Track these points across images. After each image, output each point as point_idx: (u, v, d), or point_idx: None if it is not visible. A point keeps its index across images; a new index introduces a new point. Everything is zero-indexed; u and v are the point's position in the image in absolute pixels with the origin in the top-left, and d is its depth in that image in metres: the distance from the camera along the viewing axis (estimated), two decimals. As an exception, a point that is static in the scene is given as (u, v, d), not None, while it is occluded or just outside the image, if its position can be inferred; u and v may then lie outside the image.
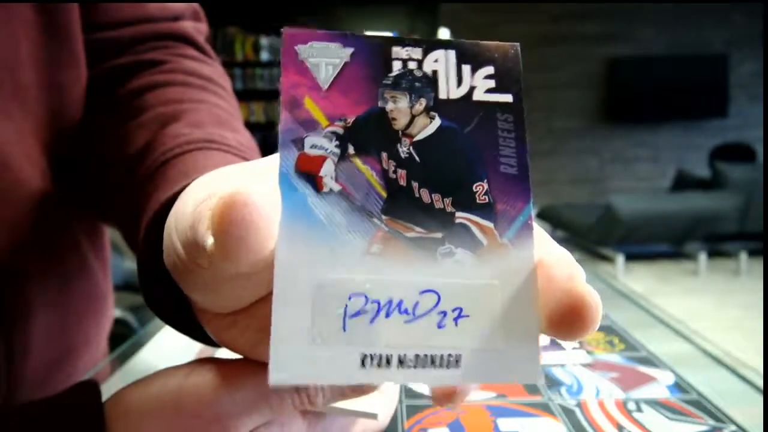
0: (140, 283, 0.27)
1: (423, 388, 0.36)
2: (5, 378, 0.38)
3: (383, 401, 0.27)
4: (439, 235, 0.18)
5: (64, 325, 0.42)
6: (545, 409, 0.33)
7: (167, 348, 0.48)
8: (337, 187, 0.17)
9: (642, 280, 4.00)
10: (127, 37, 0.40)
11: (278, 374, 0.15)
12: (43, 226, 0.38)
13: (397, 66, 0.19)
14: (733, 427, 0.31)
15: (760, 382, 0.37)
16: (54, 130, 0.38)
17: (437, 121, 0.19)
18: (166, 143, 0.33)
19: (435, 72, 0.19)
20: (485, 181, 0.18)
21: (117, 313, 1.06)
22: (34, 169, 0.37)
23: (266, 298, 0.20)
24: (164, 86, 0.38)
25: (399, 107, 0.18)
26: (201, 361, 0.25)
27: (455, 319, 0.17)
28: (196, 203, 0.20)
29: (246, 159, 0.32)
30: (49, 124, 0.38)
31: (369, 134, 0.18)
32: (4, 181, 0.35)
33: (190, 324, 0.26)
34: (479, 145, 0.19)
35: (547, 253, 0.18)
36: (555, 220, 4.97)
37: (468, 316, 0.17)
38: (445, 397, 0.23)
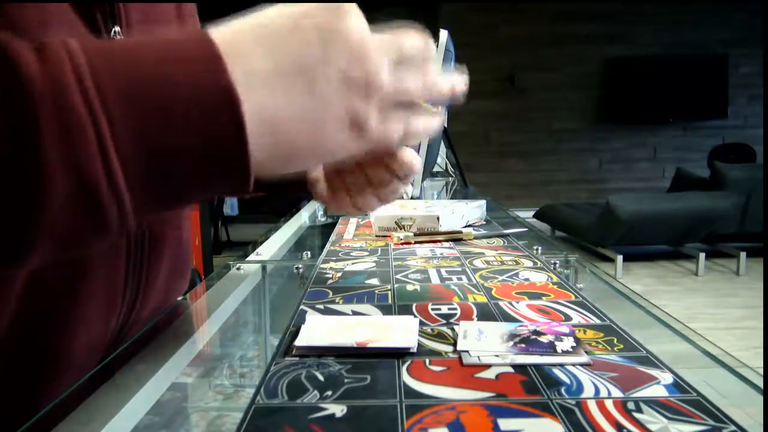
0: None
1: (423, 388, 0.36)
2: (131, 306, 0.49)
3: None
4: None
5: (172, 278, 0.54)
6: (545, 409, 0.33)
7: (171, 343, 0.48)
8: None
9: (641, 280, 4.00)
10: None
11: None
12: None
13: None
14: (733, 427, 0.31)
15: (760, 382, 0.37)
16: None
17: None
18: None
19: None
20: None
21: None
22: None
23: None
24: None
25: None
26: None
27: None
28: None
29: None
30: None
31: None
32: None
33: None
34: None
35: None
36: (555, 220, 4.97)
37: None
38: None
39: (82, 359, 0.45)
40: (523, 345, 0.42)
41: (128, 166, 0.25)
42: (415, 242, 0.81)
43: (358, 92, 0.31)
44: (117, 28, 0.43)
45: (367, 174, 0.45)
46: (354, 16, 0.31)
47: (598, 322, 0.48)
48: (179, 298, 0.60)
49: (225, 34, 0.29)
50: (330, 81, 0.30)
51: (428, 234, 0.82)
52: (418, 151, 0.43)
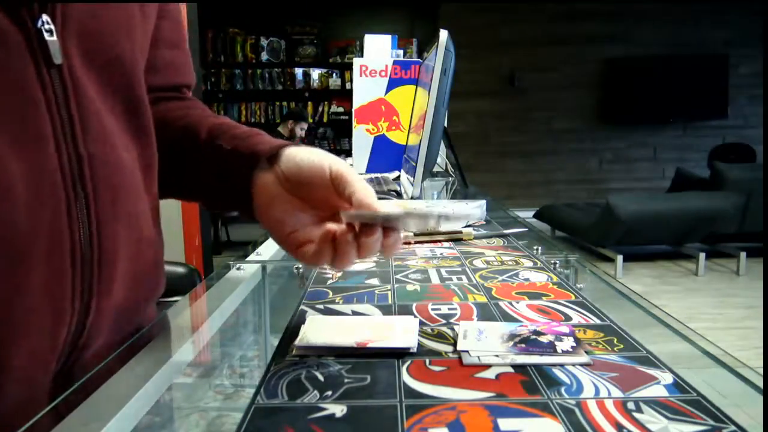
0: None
1: (423, 387, 0.36)
2: (84, 314, 0.46)
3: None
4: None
5: (135, 281, 0.52)
6: (545, 409, 0.33)
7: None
8: None
9: (641, 280, 4.00)
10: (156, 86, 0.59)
11: None
12: (131, 200, 0.50)
13: None
14: (733, 427, 0.31)
15: (760, 382, 0.37)
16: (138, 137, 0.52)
17: None
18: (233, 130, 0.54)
19: None
20: None
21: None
22: (134, 167, 0.50)
23: None
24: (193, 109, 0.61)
25: None
26: None
27: None
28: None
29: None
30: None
31: None
32: (110, 168, 0.47)
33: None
34: None
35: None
36: (555, 220, 4.97)
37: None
38: None
39: (27, 371, 0.42)
40: (523, 345, 0.42)
41: None
42: (415, 242, 0.81)
43: None
44: (46, 18, 0.40)
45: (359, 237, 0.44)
46: None
47: (598, 322, 0.48)
48: (178, 298, 0.60)
49: None
50: None
51: (428, 234, 0.82)
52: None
